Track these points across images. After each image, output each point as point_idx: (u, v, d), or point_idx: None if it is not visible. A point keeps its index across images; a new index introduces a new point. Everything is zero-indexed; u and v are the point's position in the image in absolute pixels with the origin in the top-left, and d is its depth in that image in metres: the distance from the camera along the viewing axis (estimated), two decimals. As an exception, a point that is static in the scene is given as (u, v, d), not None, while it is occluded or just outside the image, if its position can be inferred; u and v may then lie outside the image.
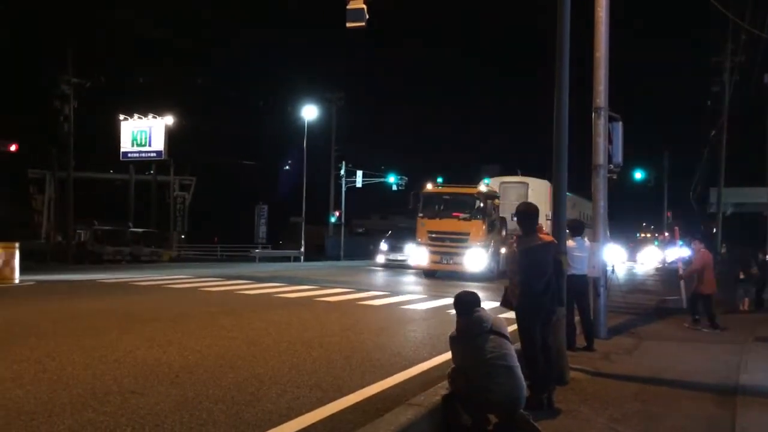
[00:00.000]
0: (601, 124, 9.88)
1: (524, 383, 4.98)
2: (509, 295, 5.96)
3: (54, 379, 5.83)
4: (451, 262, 21.41)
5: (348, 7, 12.24)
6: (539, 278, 5.72)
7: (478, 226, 21.10)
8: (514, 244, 5.97)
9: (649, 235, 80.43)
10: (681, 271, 13.68)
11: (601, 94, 9.86)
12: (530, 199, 23.77)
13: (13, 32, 30.19)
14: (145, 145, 41.30)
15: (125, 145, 41.62)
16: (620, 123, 10.29)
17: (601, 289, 9.62)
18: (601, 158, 9.86)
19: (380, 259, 28.88)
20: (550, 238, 6.16)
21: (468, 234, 21.14)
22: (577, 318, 8.75)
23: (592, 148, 9.91)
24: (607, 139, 9.95)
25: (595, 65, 9.88)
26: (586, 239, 9.26)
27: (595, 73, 9.88)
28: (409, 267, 25.08)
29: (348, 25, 12.29)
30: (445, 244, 21.47)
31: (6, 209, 31.79)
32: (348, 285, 17.47)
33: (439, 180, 25.05)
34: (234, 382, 6.01)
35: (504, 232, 23.05)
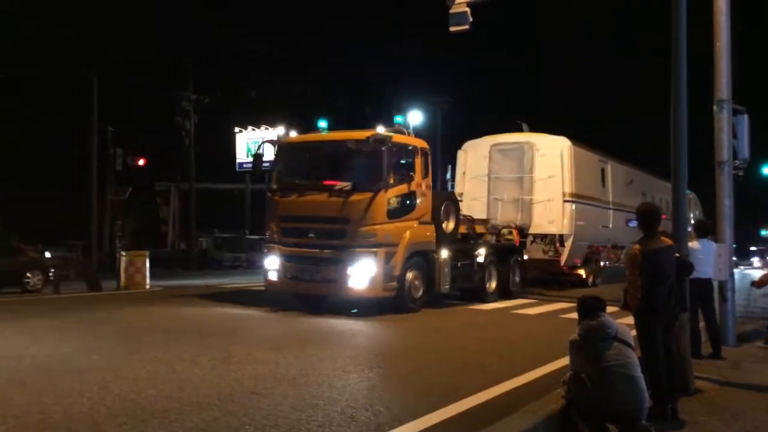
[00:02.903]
0: (723, 118, 9.26)
1: (646, 394, 4.77)
2: (628, 298, 5.73)
3: (183, 379, 6.22)
4: (317, 276, 11.59)
5: (451, 11, 12.23)
6: (662, 283, 5.47)
7: (369, 204, 11.22)
8: (636, 246, 5.69)
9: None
10: None
11: (723, 86, 9.25)
12: (537, 167, 16.96)
13: (137, 52, 32.46)
14: (258, 156, 43.10)
15: (240, 156, 43.58)
16: (746, 116, 9.62)
17: (729, 293, 9.03)
18: (724, 154, 9.24)
19: None
20: (671, 241, 5.87)
21: (346, 220, 11.36)
22: (702, 324, 8.27)
23: (714, 144, 9.33)
24: (731, 133, 9.33)
25: (716, 56, 9.29)
26: (712, 241, 8.71)
27: (716, 64, 9.29)
28: None
29: (451, 29, 12.27)
30: (309, 240, 11.76)
31: (137, 220, 34.20)
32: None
33: (322, 125, 13.00)
34: (347, 384, 6.17)
35: (454, 220, 13.17)
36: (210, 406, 5.31)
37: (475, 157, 18.11)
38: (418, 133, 15.24)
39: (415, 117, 38.70)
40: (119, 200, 29.87)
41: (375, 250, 11.19)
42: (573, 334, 5.05)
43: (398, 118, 13.01)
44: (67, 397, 5.49)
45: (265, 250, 12.64)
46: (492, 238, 15.42)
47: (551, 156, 16.96)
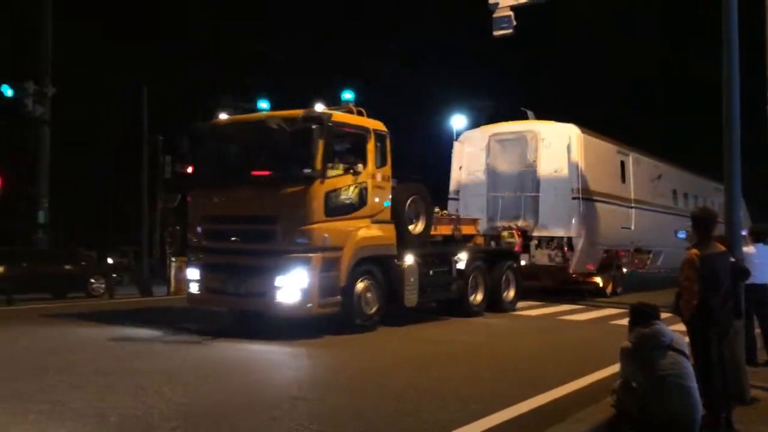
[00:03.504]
0: (778, 118, 8.97)
1: (700, 405, 4.66)
2: (682, 304, 5.57)
3: (230, 384, 6.35)
4: (241, 289, 9.46)
5: (494, 15, 12.15)
6: (717, 289, 5.31)
7: (300, 199, 9.14)
8: (692, 250, 5.53)
9: None
10: None
11: (777, 84, 8.96)
12: (543, 160, 14.76)
13: (178, 58, 33.07)
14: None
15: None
16: (804, 115, 9.28)
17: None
18: (779, 155, 8.96)
19: None
20: (724, 247, 5.70)
21: (274, 219, 9.36)
22: (757, 330, 8.00)
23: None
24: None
25: (769, 52, 9.00)
26: None
27: (770, 61, 9.00)
28: None
29: (495, 33, 12.19)
30: (232, 244, 9.93)
31: (185, 226, 34.95)
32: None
33: (262, 106, 11.40)
34: (392, 391, 6.19)
35: (424, 218, 10.93)
36: (254, 412, 5.40)
37: (472, 150, 15.86)
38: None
39: (459, 121, 38.64)
40: (169, 208, 30.56)
41: (309, 255, 9.02)
42: (625, 342, 4.96)
43: (347, 94, 10.52)
44: (122, 400, 5.65)
45: (188, 258, 10.81)
46: (491, 242, 13.66)
47: (558, 146, 14.60)
